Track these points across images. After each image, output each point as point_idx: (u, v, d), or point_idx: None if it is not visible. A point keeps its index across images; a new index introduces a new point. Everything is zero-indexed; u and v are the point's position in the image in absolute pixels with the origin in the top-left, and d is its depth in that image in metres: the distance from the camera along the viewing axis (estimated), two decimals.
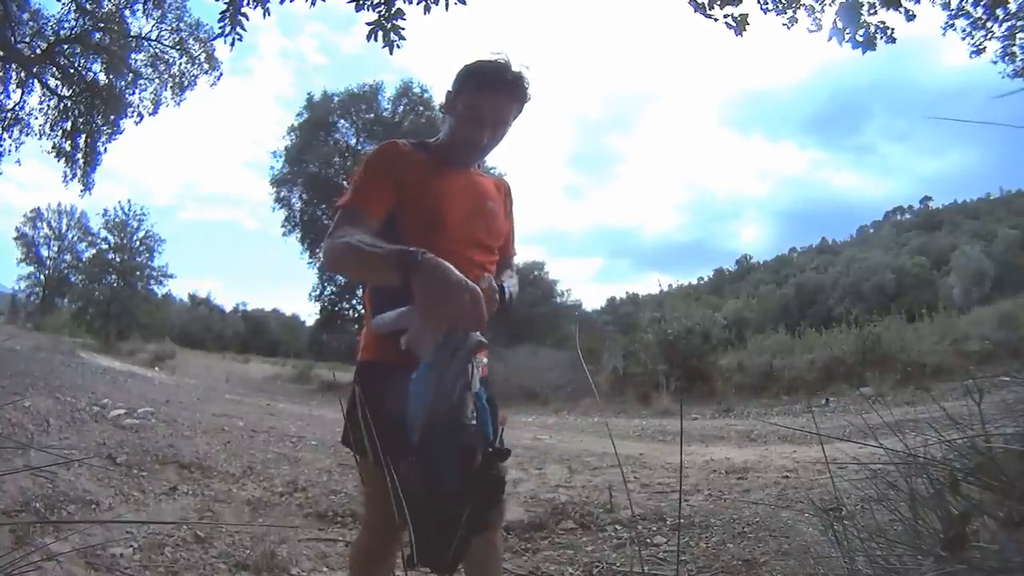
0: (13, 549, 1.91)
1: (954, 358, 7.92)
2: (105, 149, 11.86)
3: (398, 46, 3.01)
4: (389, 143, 1.39)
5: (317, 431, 5.87)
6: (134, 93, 11.59)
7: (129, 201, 39.07)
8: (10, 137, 11.15)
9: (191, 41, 11.31)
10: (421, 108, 20.81)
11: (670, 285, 54.30)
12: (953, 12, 4.28)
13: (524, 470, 4.22)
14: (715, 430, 6.42)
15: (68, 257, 28.90)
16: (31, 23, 10.59)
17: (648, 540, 2.59)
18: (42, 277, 29.67)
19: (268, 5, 3.04)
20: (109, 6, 10.67)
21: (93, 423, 4.43)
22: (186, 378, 12.88)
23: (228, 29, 3.02)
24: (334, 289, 20.45)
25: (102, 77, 11.44)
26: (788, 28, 3.83)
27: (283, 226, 20.75)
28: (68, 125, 11.52)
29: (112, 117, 11.55)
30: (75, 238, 28.88)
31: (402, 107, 21.23)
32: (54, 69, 11.16)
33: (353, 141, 20.99)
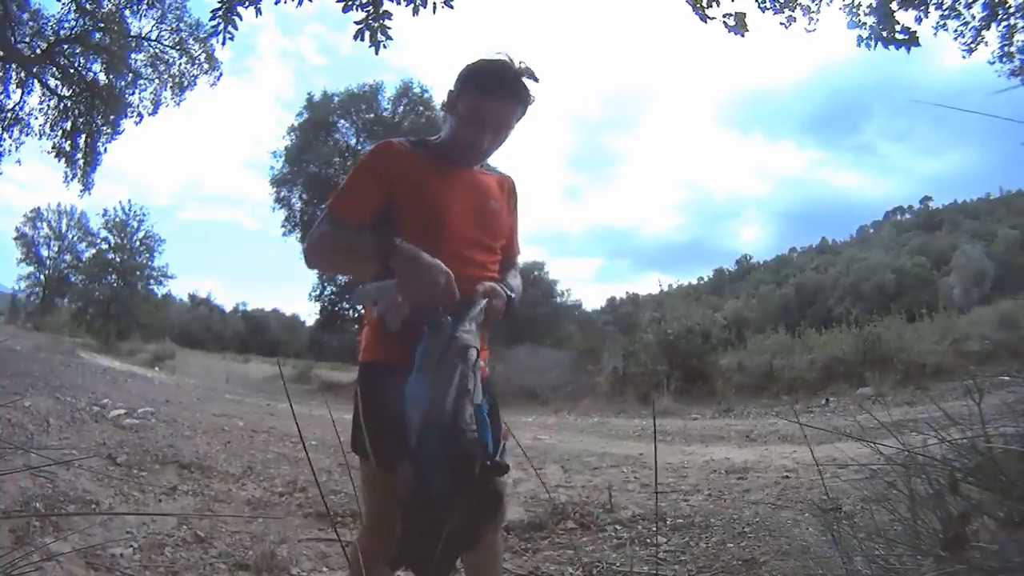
0: (13, 549, 1.91)
1: (954, 358, 7.92)
2: (105, 149, 11.87)
3: (384, 46, 3.05)
4: (384, 143, 1.39)
5: (317, 431, 5.87)
6: (134, 93, 11.60)
7: (129, 201, 39.05)
8: (10, 137, 11.16)
9: (191, 41, 11.31)
10: (421, 108, 20.81)
11: (670, 285, 54.36)
12: (946, 13, 4.27)
13: (524, 470, 4.22)
14: (715, 430, 6.43)
15: (68, 257, 28.92)
16: (31, 23, 10.59)
17: (648, 540, 2.59)
18: (42, 277, 29.67)
19: (260, 5, 3.04)
20: (109, 6, 10.68)
21: (93, 423, 4.43)
22: (186, 378, 12.89)
23: (221, 27, 3.02)
24: (334, 289, 20.47)
25: (102, 77, 11.45)
26: (786, 27, 3.82)
27: (283, 226, 20.76)
28: (68, 125, 11.52)
29: (112, 117, 11.55)
30: (75, 238, 28.91)
31: (402, 107, 21.24)
32: (54, 69, 11.15)
33: (353, 141, 21.01)
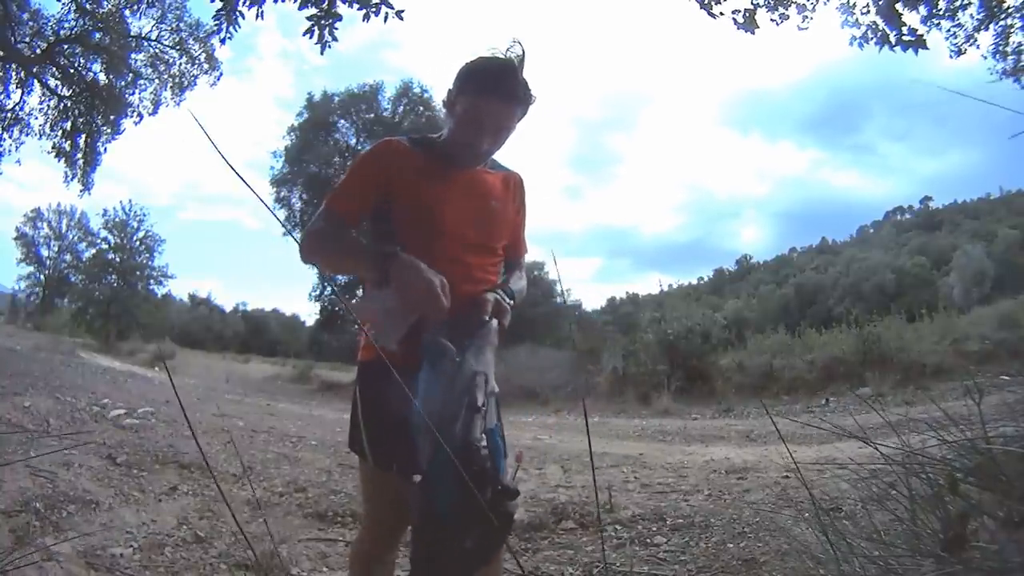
0: (13, 549, 1.91)
1: (954, 358, 7.92)
2: (105, 149, 11.86)
3: (328, 46, 3.13)
4: (383, 142, 1.38)
5: (317, 431, 5.87)
6: (134, 93, 11.59)
7: (129, 201, 39.02)
8: (10, 137, 11.16)
9: (191, 41, 11.31)
10: (421, 108, 20.81)
11: (670, 285, 54.43)
12: (940, 13, 4.27)
13: (524, 470, 4.22)
14: (715, 430, 6.42)
15: (68, 257, 28.90)
16: (31, 23, 10.59)
17: (648, 540, 2.59)
18: (42, 277, 29.66)
19: (263, 7, 3.09)
20: (109, 6, 10.67)
21: (93, 423, 4.43)
22: (186, 378, 12.88)
23: (224, 27, 3.06)
24: (334, 289, 20.46)
25: (102, 77, 11.44)
26: (777, 25, 3.83)
27: (283, 226, 20.76)
28: (68, 125, 11.52)
29: (112, 117, 11.54)
30: (75, 238, 28.90)
31: (402, 107, 21.24)
32: (54, 69, 11.15)
33: (353, 141, 21.01)
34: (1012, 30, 4.47)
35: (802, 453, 4.19)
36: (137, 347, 18.63)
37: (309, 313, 35.09)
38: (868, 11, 3.49)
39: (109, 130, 11.70)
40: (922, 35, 3.37)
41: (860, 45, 3.53)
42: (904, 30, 3.38)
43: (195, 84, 11.74)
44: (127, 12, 10.77)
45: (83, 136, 11.63)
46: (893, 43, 3.40)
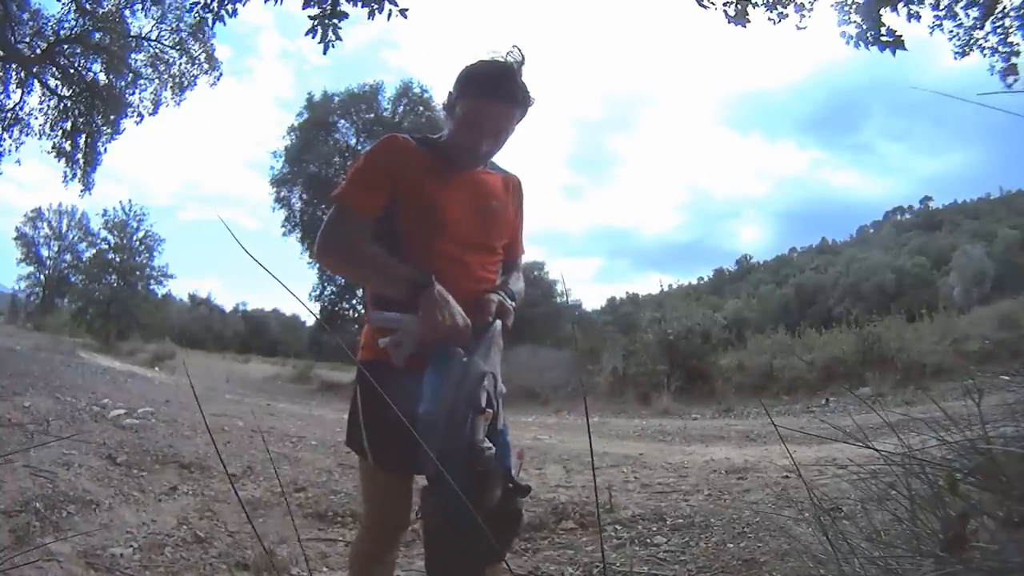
0: (13, 549, 1.91)
1: (954, 358, 7.92)
2: (105, 149, 11.88)
3: (332, 46, 3.07)
4: (389, 137, 1.38)
5: (317, 431, 5.87)
6: (134, 93, 11.61)
7: (129, 201, 38.98)
8: (10, 137, 11.17)
9: (191, 41, 11.31)
10: (421, 108, 20.82)
11: (670, 285, 54.45)
12: (942, 14, 4.27)
13: (524, 470, 4.22)
14: (715, 430, 6.43)
15: (68, 257, 28.92)
16: (31, 23, 10.59)
17: (648, 540, 2.59)
18: (42, 277, 29.67)
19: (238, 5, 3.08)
20: (109, 6, 10.68)
21: (93, 423, 4.43)
22: (186, 378, 12.88)
23: (209, 19, 3.04)
24: (334, 289, 20.47)
25: (102, 77, 11.46)
26: (774, 24, 3.83)
27: (283, 226, 20.74)
28: (68, 125, 11.53)
29: (112, 117, 11.55)
30: (75, 238, 28.92)
31: (402, 107, 21.24)
32: (54, 69, 11.16)
33: (353, 141, 21.00)
34: (1011, 30, 4.46)
35: (802, 453, 4.18)
36: (137, 347, 18.64)
37: (309, 313, 35.08)
38: (850, 11, 3.49)
39: (109, 130, 11.72)
40: (900, 36, 3.37)
41: (856, 45, 3.53)
42: (883, 30, 3.38)
43: (195, 84, 11.77)
44: (127, 12, 10.78)
45: (83, 136, 11.64)
46: (871, 42, 3.40)
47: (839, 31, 3.56)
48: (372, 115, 21.09)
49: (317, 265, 20.01)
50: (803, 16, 3.85)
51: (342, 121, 21.33)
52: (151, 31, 11.22)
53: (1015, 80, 4.56)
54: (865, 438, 1.09)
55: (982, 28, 4.43)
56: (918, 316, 10.03)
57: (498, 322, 1.27)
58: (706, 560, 2.30)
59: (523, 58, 1.30)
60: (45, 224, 29.87)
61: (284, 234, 20.73)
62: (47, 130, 11.39)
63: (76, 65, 11.27)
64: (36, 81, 11.07)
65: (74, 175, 11.72)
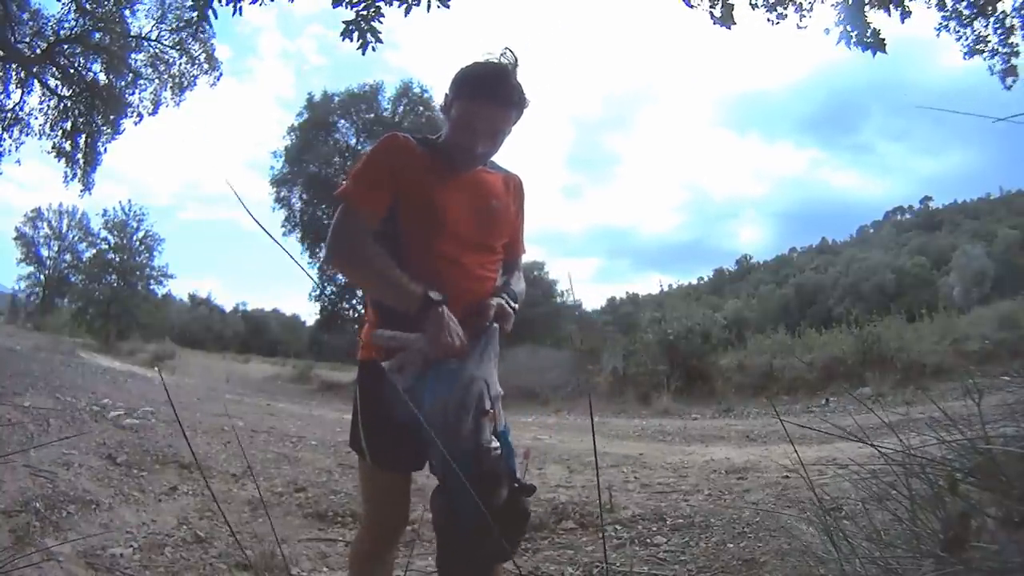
0: (13, 549, 1.91)
1: (954, 358, 7.92)
2: (105, 149, 11.88)
3: (373, 48, 2.91)
4: (390, 136, 1.38)
5: (317, 431, 5.87)
6: (134, 93, 11.61)
7: (129, 201, 38.97)
8: (10, 137, 11.17)
9: (191, 41, 11.31)
10: (421, 108, 20.80)
11: (670, 285, 54.47)
12: (948, 14, 4.27)
13: (525, 470, 4.21)
14: (715, 430, 6.43)
15: (68, 257, 28.86)
16: (31, 23, 10.60)
17: (648, 540, 2.59)
18: (42, 277, 29.62)
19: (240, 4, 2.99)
20: (109, 6, 10.67)
21: (93, 423, 4.43)
22: (186, 378, 12.88)
23: (196, 16, 2.97)
24: (334, 289, 20.46)
25: (102, 77, 11.46)
26: (773, 24, 3.82)
27: (283, 226, 20.72)
28: (68, 125, 11.53)
29: (112, 117, 11.55)
30: (75, 238, 28.85)
31: (402, 107, 21.22)
32: (54, 69, 11.16)
33: (353, 141, 20.99)
34: (1012, 31, 4.46)
35: (802, 453, 4.18)
36: (137, 347, 18.63)
37: (309, 313, 35.11)
38: (843, 11, 3.48)
39: (109, 130, 11.72)
40: (882, 38, 3.36)
41: (848, 45, 3.52)
42: (867, 32, 3.37)
43: (195, 84, 11.78)
44: (127, 12, 10.78)
45: (83, 136, 11.64)
46: (856, 42, 3.39)
47: (824, 29, 3.55)
48: (372, 115, 21.09)
49: (317, 265, 20.04)
50: (803, 16, 3.85)
51: (342, 121, 21.33)
52: (151, 31, 11.25)
53: (1014, 81, 4.56)
54: (866, 437, 1.09)
55: (967, 27, 4.41)
56: (918, 316, 10.03)
57: (495, 326, 1.28)
58: (706, 560, 2.30)
59: (517, 59, 1.31)
60: (45, 224, 29.84)
61: (284, 234, 20.69)
62: (47, 130, 11.41)
63: (76, 65, 11.28)
64: (36, 81, 11.07)
65: (74, 175, 11.73)
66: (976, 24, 4.32)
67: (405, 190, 1.32)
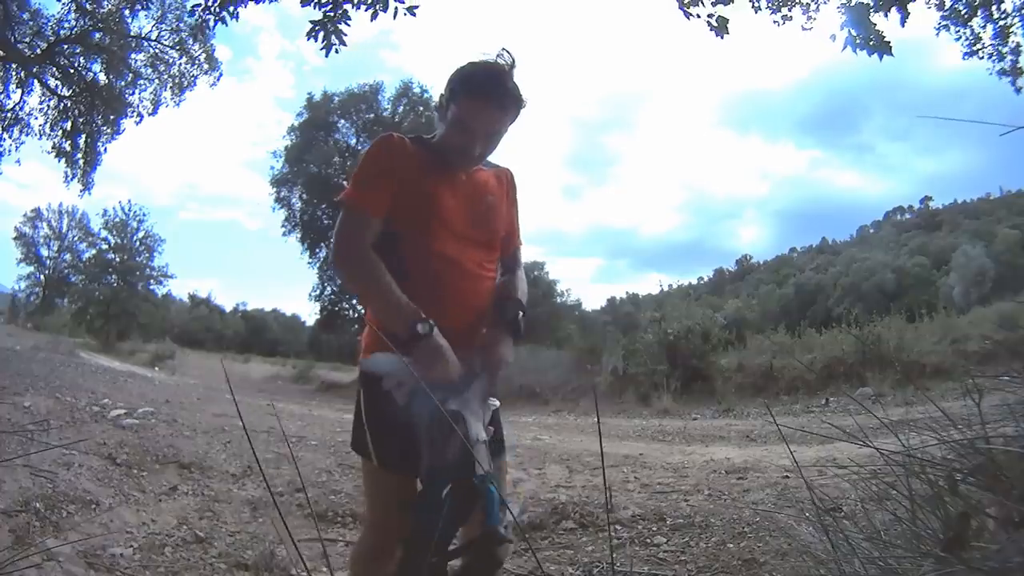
0: (13, 549, 1.91)
1: (954, 358, 7.92)
2: (105, 149, 11.90)
3: (336, 50, 2.97)
4: (387, 136, 1.38)
5: (317, 431, 5.87)
6: (134, 93, 11.64)
7: (129, 201, 39.03)
8: (10, 137, 11.19)
9: (191, 41, 11.31)
10: (421, 108, 20.82)
11: (670, 285, 54.38)
12: (947, 14, 4.27)
13: (524, 470, 4.22)
14: (715, 430, 6.42)
15: (68, 257, 28.94)
16: (31, 23, 10.61)
17: (648, 540, 2.59)
18: (42, 277, 29.68)
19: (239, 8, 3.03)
20: (109, 6, 10.68)
21: (93, 423, 4.43)
22: (186, 378, 12.88)
23: (210, 20, 3.00)
24: (334, 289, 20.46)
25: (102, 77, 11.48)
26: (779, 26, 3.83)
27: (283, 226, 20.76)
28: (68, 125, 11.55)
29: (112, 117, 11.57)
30: (75, 238, 28.94)
31: (402, 107, 21.27)
32: (54, 69, 11.16)
33: (353, 141, 21.02)
34: (1010, 31, 4.46)
35: (802, 453, 4.18)
36: (137, 347, 18.66)
37: (309, 313, 35.06)
38: (848, 14, 3.49)
39: (109, 130, 11.74)
40: (887, 41, 3.37)
41: (854, 49, 3.53)
42: (871, 35, 3.38)
43: (195, 84, 11.80)
44: (127, 12, 10.77)
45: (83, 136, 11.65)
46: (861, 46, 3.40)
47: (830, 35, 3.56)
48: (372, 115, 21.12)
49: (317, 265, 20.05)
50: (809, 17, 3.87)
51: (342, 121, 21.36)
52: (151, 31, 11.26)
53: (1014, 81, 4.57)
54: (865, 438, 1.09)
55: (964, 27, 4.42)
56: (918, 316, 10.02)
57: (484, 375, 1.28)
58: (706, 560, 2.30)
59: (513, 60, 1.31)
60: (45, 224, 29.91)
61: (284, 234, 20.75)
62: (47, 130, 11.43)
63: (76, 65, 11.29)
64: (36, 81, 11.08)
65: (74, 175, 11.75)
66: (974, 24, 4.33)
67: (402, 187, 1.32)
